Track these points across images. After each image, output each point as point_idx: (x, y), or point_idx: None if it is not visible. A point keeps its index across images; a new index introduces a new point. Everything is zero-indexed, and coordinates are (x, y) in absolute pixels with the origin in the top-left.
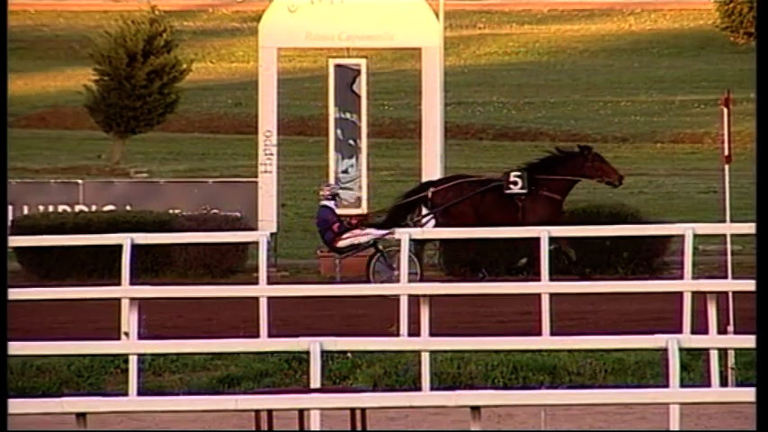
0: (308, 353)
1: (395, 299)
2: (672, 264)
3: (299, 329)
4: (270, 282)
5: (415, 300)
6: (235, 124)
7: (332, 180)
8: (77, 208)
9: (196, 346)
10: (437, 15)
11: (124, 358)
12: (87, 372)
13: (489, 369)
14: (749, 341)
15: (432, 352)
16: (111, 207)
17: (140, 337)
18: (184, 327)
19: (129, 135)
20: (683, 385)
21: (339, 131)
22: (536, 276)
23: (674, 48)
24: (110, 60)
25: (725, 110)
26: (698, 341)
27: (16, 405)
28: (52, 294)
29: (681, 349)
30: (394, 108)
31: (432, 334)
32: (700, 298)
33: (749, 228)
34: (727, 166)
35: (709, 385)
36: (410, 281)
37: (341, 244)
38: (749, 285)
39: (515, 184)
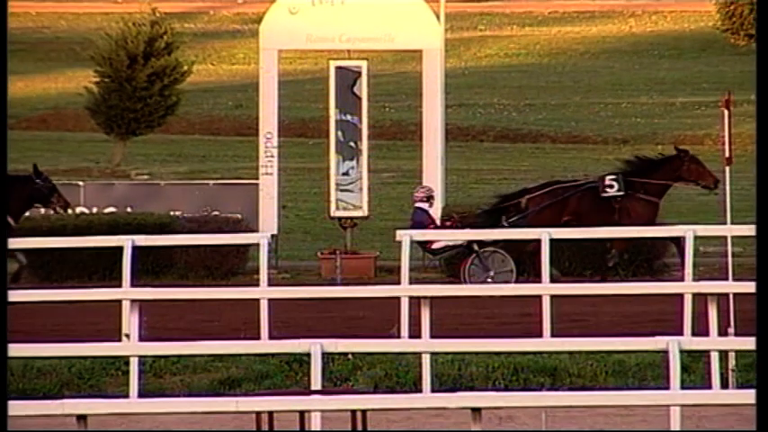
0: (308, 354)
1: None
2: (672, 266)
3: (299, 331)
4: (270, 283)
5: (415, 301)
6: (235, 126)
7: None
8: (78, 210)
9: (197, 347)
10: (438, 17)
11: (125, 360)
12: (88, 373)
13: (490, 371)
14: (750, 343)
15: (432, 354)
16: (111, 209)
17: (141, 338)
18: (185, 329)
19: (130, 137)
20: (683, 387)
21: (340, 133)
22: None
23: (674, 50)
24: (111, 62)
25: (725, 112)
26: (698, 343)
27: (17, 407)
28: (53, 296)
29: (681, 351)
30: (395, 110)
31: (432, 336)
32: (700, 300)
33: (750, 230)
34: (727, 168)
35: (709, 387)
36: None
37: (436, 246)
38: (750, 287)
39: (611, 187)
